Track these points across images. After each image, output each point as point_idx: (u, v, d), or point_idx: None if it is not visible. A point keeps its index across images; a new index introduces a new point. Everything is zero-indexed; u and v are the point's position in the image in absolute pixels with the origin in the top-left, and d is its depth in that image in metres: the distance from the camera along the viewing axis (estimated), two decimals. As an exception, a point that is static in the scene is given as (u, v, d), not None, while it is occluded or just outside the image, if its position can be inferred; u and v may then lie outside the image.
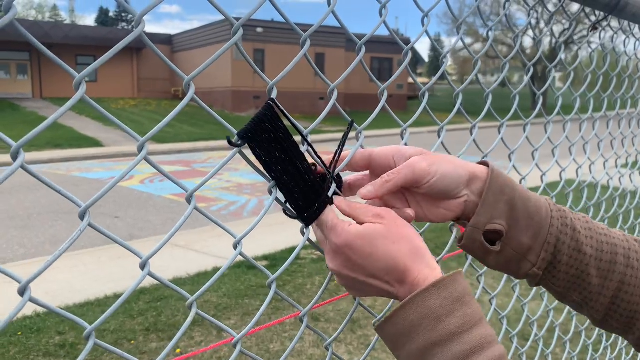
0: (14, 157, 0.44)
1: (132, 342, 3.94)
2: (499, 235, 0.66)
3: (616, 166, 1.84)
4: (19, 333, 4.01)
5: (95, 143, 18.63)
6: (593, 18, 1.41)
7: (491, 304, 1.27)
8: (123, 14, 73.33)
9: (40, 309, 4.41)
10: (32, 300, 0.46)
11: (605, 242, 0.67)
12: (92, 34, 31.50)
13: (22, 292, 0.46)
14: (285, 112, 0.61)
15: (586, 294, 0.67)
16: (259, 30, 27.16)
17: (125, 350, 3.82)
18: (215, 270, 5.43)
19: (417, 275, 0.59)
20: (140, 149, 0.50)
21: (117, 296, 4.77)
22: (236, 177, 11.59)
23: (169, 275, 5.24)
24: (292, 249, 5.99)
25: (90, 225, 0.49)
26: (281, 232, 6.33)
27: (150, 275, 0.53)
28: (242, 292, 4.81)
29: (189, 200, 0.56)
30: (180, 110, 0.53)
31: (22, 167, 0.44)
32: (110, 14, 74.82)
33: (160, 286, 4.93)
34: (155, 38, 34.05)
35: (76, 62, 30.21)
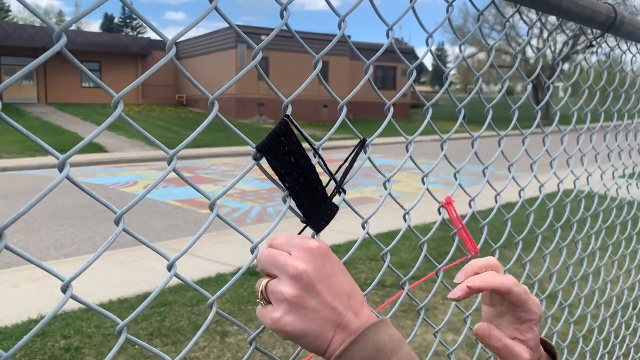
0: (61, 169, 0.49)
1: (136, 346, 3.98)
2: None
3: (613, 177, 1.88)
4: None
5: (99, 149, 18.72)
6: (594, 32, 1.46)
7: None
8: (128, 20, 73.77)
9: (44, 312, 4.46)
10: (73, 297, 0.51)
11: None
12: (97, 40, 31.70)
13: (64, 289, 0.51)
14: (300, 128, 0.67)
15: None
16: (263, 38, 27.24)
17: (130, 355, 3.86)
18: (219, 276, 5.47)
19: (368, 309, 0.61)
20: (170, 161, 0.56)
21: (121, 301, 4.81)
22: (239, 184, 11.64)
23: (173, 281, 5.28)
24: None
25: (124, 230, 0.54)
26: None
27: (177, 276, 0.58)
28: (245, 298, 4.85)
29: (211, 207, 0.61)
30: (206, 125, 0.58)
31: (68, 177, 0.49)
32: (115, 20, 75.27)
33: (164, 291, 4.98)
34: (160, 45, 34.20)
35: (81, 68, 30.36)
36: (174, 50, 0.55)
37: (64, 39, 0.48)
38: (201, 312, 4.59)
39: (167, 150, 0.56)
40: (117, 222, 0.53)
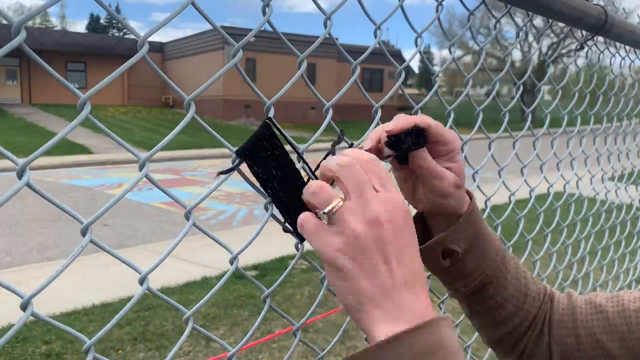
0: (20, 176, 0.45)
1: (120, 351, 3.91)
2: (451, 253, 0.71)
3: (602, 181, 1.87)
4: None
5: (85, 150, 18.51)
6: (583, 34, 1.44)
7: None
8: (114, 21, 73.23)
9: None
10: (34, 315, 0.47)
11: (524, 285, 0.78)
12: (83, 41, 31.40)
13: (24, 307, 0.47)
14: (282, 131, 0.63)
15: (494, 320, 0.77)
16: (252, 39, 27.15)
17: (113, 360, 3.79)
18: (204, 279, 5.40)
19: (429, 300, 0.52)
20: (142, 167, 0.52)
21: (104, 305, 4.73)
22: (226, 186, 11.57)
23: (157, 285, 5.21)
24: (281, 259, 5.99)
25: (92, 241, 0.50)
26: (270, 242, 6.30)
27: (149, 290, 0.54)
28: (231, 302, 4.80)
29: (187, 216, 0.57)
30: (181, 129, 0.54)
31: (28, 185, 0.45)
32: (101, 21, 74.68)
33: (149, 295, 4.90)
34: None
35: (66, 68, 30.08)
36: (146, 47, 0.51)
37: (23, 34, 0.44)
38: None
39: (139, 155, 0.52)
40: (83, 234, 0.49)
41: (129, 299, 4.79)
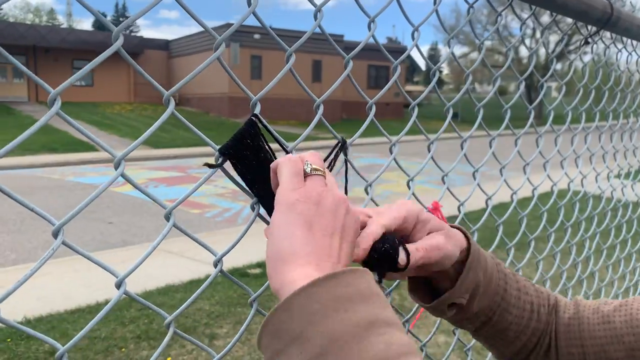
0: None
1: (123, 349, 3.91)
2: (456, 304, 0.71)
3: (608, 179, 1.83)
4: (8, 340, 3.97)
5: (90, 147, 18.56)
6: (589, 29, 1.41)
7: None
8: (121, 19, 73.46)
9: (30, 315, 4.38)
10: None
11: (528, 302, 0.76)
12: (89, 38, 31.47)
13: (-10, 313, 0.44)
14: (269, 127, 0.60)
15: (502, 342, 0.77)
16: (256, 37, 27.18)
17: (116, 358, 3.78)
18: (209, 277, 5.40)
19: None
20: (117, 166, 0.49)
21: (107, 303, 4.73)
22: (231, 183, 11.54)
23: (161, 283, 5.21)
24: (285, 257, 5.96)
25: (64, 243, 0.47)
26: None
27: (126, 294, 0.52)
28: (235, 299, 4.78)
29: (167, 217, 0.55)
30: (160, 124, 0.52)
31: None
32: (108, 18, 74.98)
33: (153, 293, 4.90)
34: (153, 43, 34.03)
35: (72, 66, 30.19)
36: (121, 39, 0.48)
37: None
38: (190, 314, 4.52)
39: (115, 153, 0.50)
40: (55, 235, 0.47)
41: (132, 297, 4.80)
